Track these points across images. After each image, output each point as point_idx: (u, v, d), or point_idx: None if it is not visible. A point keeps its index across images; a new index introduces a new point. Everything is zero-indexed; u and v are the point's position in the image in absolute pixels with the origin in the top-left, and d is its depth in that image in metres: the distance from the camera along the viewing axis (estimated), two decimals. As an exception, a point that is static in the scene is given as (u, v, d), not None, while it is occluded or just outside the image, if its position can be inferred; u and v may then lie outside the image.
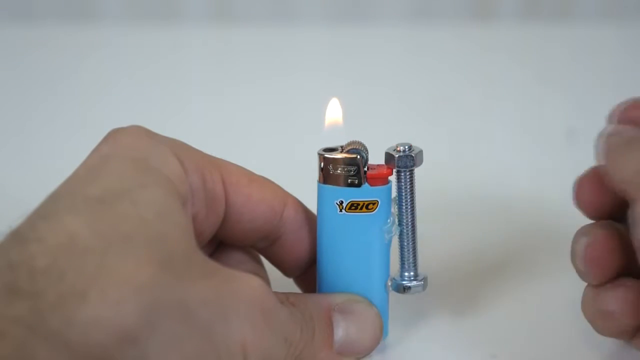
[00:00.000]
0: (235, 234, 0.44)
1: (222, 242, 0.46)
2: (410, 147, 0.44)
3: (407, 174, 0.44)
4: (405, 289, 0.45)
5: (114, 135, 0.41)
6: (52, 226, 0.36)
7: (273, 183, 0.45)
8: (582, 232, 0.44)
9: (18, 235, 0.36)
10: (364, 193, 0.44)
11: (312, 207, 0.45)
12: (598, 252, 0.43)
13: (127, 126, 0.42)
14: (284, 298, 0.42)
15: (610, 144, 0.43)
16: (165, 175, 0.39)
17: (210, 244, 0.45)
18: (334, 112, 0.46)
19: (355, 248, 0.44)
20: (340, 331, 0.43)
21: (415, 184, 0.44)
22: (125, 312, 0.34)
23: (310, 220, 0.46)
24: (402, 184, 0.44)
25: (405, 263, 0.45)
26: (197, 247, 0.39)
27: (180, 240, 0.38)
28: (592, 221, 0.45)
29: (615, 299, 0.43)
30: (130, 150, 0.40)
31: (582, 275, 0.44)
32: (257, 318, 0.38)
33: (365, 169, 0.44)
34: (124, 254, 0.36)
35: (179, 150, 0.41)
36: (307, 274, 0.47)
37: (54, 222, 0.36)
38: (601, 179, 0.44)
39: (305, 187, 0.47)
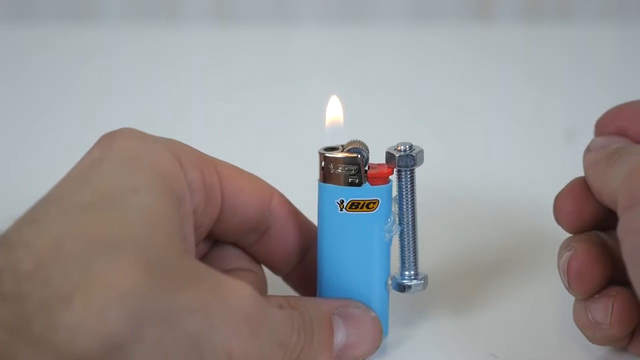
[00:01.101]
0: (230, 227, 0.45)
1: (217, 241, 0.46)
2: (411, 147, 0.44)
3: (408, 173, 0.44)
4: (405, 288, 0.45)
5: (106, 138, 0.41)
6: (39, 231, 0.36)
7: (258, 177, 0.45)
8: (564, 246, 0.44)
9: (5, 240, 0.36)
10: (365, 192, 0.44)
11: (313, 206, 0.45)
12: (579, 267, 0.43)
13: (119, 129, 0.41)
14: (284, 301, 0.42)
15: (594, 158, 0.44)
16: (159, 174, 0.39)
17: (207, 242, 0.46)
18: (334, 110, 0.46)
19: (356, 247, 0.44)
20: (340, 335, 0.43)
21: (416, 184, 0.45)
22: (110, 318, 0.34)
23: (296, 213, 0.46)
24: (403, 183, 0.44)
25: (406, 262, 0.45)
26: (187, 252, 0.39)
27: (167, 246, 0.37)
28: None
29: (600, 310, 0.43)
30: (122, 152, 0.40)
31: (568, 290, 0.44)
32: (243, 326, 0.38)
33: (366, 168, 0.44)
34: (110, 260, 0.35)
35: (176, 148, 0.42)
36: (296, 271, 0.47)
37: (41, 227, 0.36)
38: (579, 194, 0.44)
39: (305, 186, 0.47)
